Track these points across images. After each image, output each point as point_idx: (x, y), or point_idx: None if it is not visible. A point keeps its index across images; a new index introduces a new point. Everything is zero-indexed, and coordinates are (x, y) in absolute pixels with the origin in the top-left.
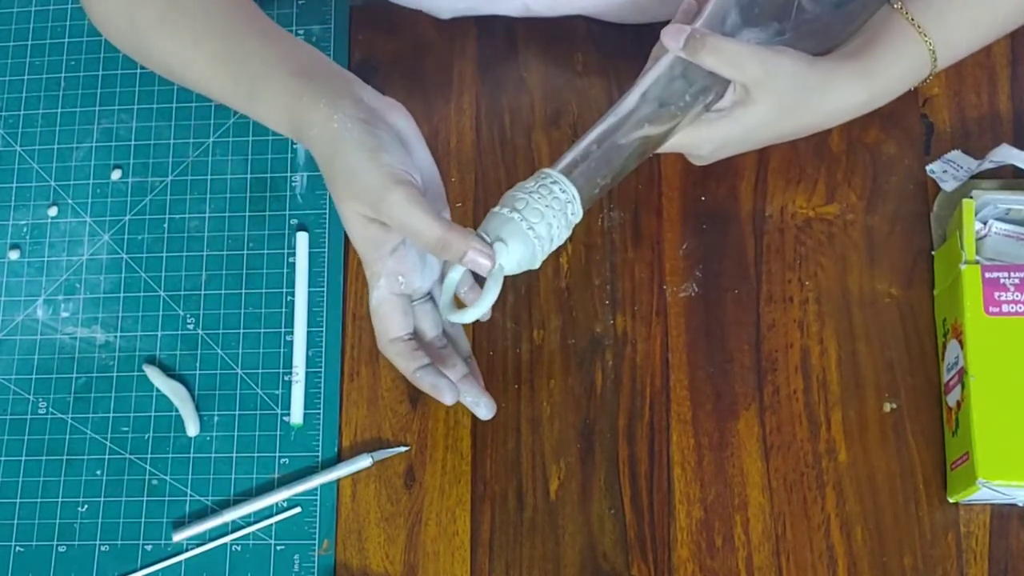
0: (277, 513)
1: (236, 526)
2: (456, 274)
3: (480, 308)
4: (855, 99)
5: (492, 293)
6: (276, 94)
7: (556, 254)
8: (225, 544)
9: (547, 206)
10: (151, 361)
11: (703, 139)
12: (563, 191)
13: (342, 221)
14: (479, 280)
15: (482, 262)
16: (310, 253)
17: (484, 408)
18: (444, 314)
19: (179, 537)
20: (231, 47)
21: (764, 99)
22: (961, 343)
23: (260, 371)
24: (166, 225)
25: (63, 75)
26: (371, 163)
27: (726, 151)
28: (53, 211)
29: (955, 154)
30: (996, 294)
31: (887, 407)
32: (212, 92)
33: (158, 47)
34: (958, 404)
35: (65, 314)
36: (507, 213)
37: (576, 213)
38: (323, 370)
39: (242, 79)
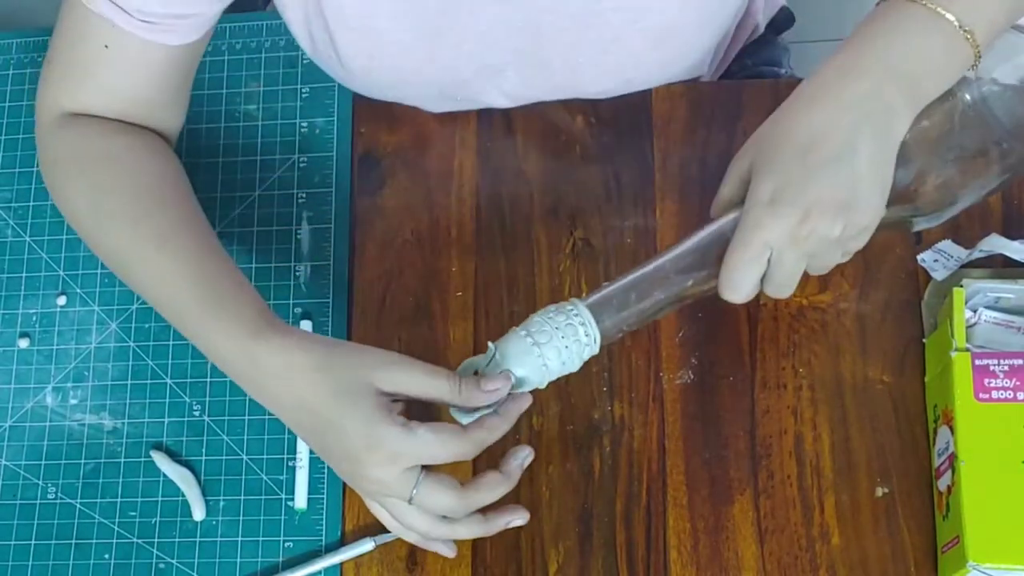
0: None
1: None
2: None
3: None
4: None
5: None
6: (245, 304)
7: None
8: None
9: (567, 347)
10: (158, 447)
11: None
12: (587, 335)
13: (363, 413)
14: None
15: (499, 397)
16: None
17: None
18: (456, 415)
19: None
20: (201, 258)
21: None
22: (952, 429)
23: (265, 457)
24: None
25: None
26: (362, 348)
27: None
28: (62, 300)
29: (946, 244)
30: (986, 381)
31: (879, 492)
32: (158, 294)
33: (114, 235)
34: (948, 489)
35: (74, 401)
36: (529, 344)
37: (593, 354)
38: None
39: (203, 287)
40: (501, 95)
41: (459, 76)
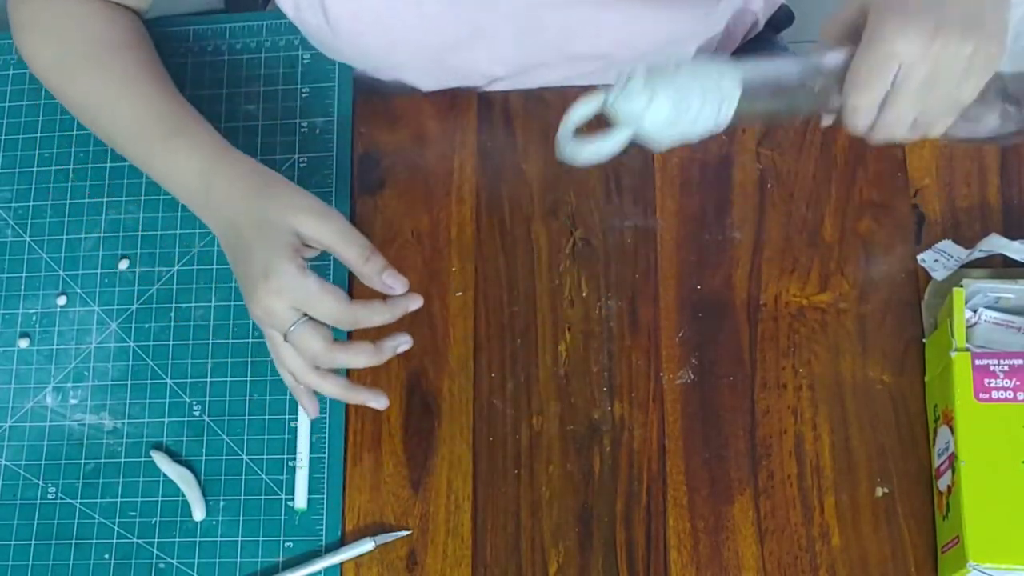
0: None
1: None
2: (585, 109)
3: (599, 152)
4: None
5: (618, 142)
6: (204, 132)
7: (555, 342)
8: None
9: (709, 90)
10: (158, 447)
11: None
12: (731, 82)
13: (273, 245)
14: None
15: (390, 290)
16: None
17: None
18: (561, 144)
19: None
20: (164, 94)
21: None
22: (952, 429)
23: (265, 457)
24: (172, 314)
25: (71, 167)
26: (298, 191)
27: None
28: (62, 300)
29: (946, 243)
30: (986, 380)
31: (879, 492)
32: (125, 127)
33: (82, 81)
34: (948, 489)
35: (74, 401)
36: (674, 71)
37: (727, 116)
38: (327, 455)
39: (168, 119)
40: (494, 61)
41: (449, 37)
